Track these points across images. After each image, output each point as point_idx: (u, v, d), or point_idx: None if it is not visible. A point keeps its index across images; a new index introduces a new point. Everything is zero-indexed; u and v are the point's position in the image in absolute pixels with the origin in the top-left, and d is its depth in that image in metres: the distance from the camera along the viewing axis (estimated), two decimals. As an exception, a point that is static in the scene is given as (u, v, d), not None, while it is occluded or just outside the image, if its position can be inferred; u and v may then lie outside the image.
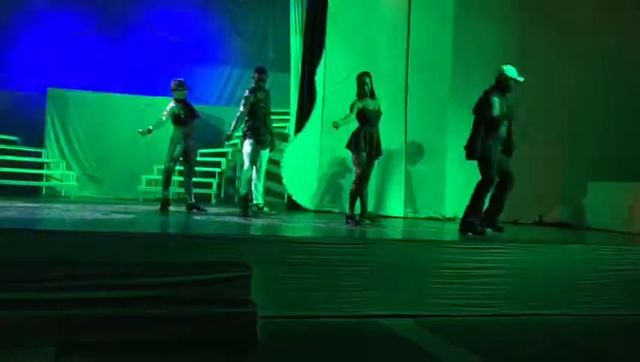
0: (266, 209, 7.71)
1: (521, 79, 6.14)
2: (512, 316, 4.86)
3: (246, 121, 7.66)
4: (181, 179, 9.36)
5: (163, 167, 8.16)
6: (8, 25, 13.36)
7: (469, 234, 5.94)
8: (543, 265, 5.07)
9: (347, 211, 7.08)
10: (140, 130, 7.97)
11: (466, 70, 7.99)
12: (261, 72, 7.71)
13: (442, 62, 8.30)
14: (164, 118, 8.02)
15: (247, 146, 7.64)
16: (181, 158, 8.00)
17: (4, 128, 12.28)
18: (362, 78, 7.01)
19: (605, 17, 8.25)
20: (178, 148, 7.90)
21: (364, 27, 9.02)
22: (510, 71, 6.14)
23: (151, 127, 7.97)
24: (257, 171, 7.73)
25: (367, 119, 6.91)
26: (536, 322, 4.79)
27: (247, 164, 7.66)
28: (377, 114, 7.01)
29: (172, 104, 8.05)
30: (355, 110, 6.88)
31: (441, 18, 8.36)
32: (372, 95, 7.01)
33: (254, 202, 7.80)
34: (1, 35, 13.33)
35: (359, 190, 6.98)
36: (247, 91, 7.72)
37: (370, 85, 7.00)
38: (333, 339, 4.07)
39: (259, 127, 7.61)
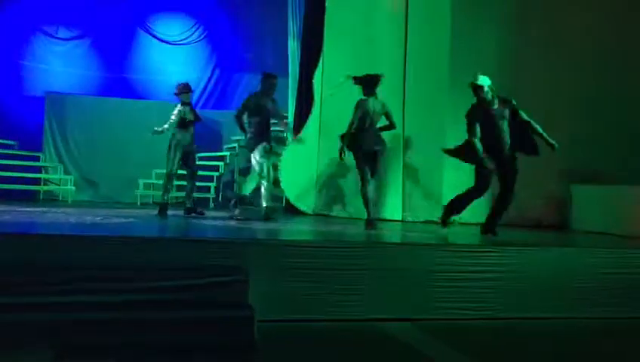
0: (270, 214, 7.71)
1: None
2: (510, 319, 4.86)
3: (250, 125, 7.62)
4: (179, 183, 9.35)
5: (165, 171, 8.15)
6: (6, 29, 13.36)
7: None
8: (540, 269, 5.07)
9: (366, 215, 6.93)
10: (157, 128, 7.93)
11: (464, 71, 7.99)
12: (266, 76, 7.71)
13: (440, 63, 8.30)
14: (173, 120, 8.01)
15: (257, 151, 7.58)
16: (181, 162, 8.01)
17: (1, 132, 12.27)
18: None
19: (604, 17, 8.28)
20: (180, 152, 7.92)
21: (361, 30, 9.04)
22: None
23: (164, 128, 7.97)
24: (266, 176, 7.68)
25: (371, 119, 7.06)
26: (534, 325, 4.79)
27: (258, 168, 7.58)
28: (378, 115, 7.15)
29: (180, 107, 8.07)
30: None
31: (439, 19, 8.35)
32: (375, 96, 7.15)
33: (264, 205, 7.78)
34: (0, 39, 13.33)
35: (368, 190, 6.90)
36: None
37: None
38: (331, 343, 4.07)
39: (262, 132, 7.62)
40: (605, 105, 8.16)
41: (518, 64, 8.08)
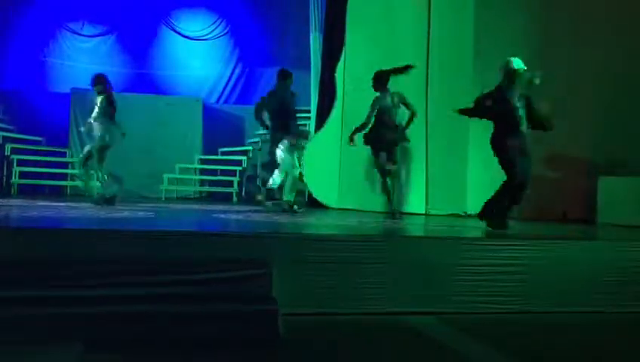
0: (295, 207, 7.78)
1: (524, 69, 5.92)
2: (536, 313, 4.80)
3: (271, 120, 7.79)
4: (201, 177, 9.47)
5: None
6: (32, 27, 13.54)
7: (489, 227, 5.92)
8: (567, 262, 4.99)
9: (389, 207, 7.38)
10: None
11: (488, 62, 7.89)
12: (278, 74, 7.81)
13: (464, 54, 8.19)
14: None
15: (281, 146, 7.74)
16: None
17: (28, 129, 12.47)
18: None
19: (632, 4, 8.09)
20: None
21: (384, 22, 8.98)
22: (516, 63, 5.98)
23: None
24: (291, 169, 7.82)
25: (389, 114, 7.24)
26: (561, 320, 4.72)
27: (283, 163, 7.74)
28: (396, 109, 7.30)
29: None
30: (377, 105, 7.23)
31: (462, 9, 8.25)
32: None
33: (284, 199, 7.85)
34: (25, 37, 13.53)
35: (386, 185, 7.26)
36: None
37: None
38: (355, 336, 4.06)
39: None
40: (635, 94, 7.98)
41: (544, 52, 7.94)
